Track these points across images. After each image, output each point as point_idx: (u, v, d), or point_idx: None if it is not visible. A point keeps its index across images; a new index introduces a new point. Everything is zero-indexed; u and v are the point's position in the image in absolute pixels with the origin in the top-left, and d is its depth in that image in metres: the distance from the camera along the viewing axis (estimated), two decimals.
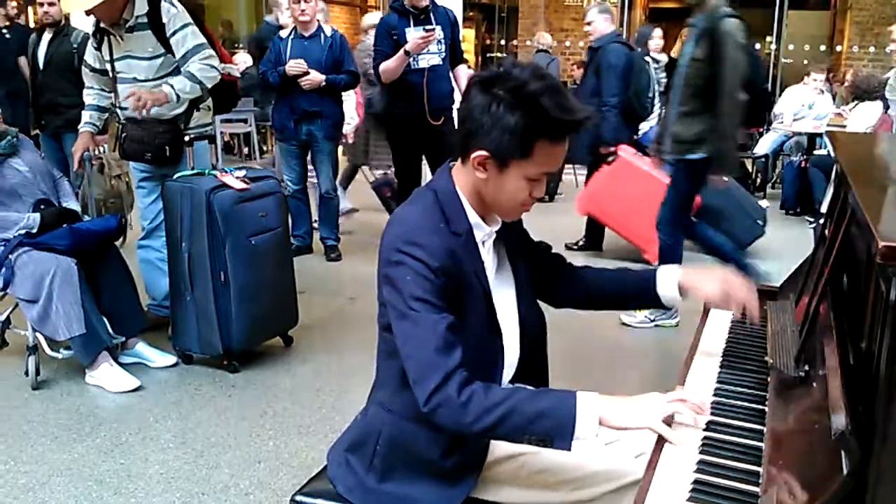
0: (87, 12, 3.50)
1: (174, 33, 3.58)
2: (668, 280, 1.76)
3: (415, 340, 1.47)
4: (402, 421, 1.61)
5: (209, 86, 3.64)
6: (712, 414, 1.53)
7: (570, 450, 1.43)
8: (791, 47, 10.98)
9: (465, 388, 1.43)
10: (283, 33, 5.25)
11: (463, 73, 4.93)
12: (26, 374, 3.37)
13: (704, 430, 1.46)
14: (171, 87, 3.54)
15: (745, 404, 1.57)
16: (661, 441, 1.44)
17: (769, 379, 1.59)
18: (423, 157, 4.98)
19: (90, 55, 3.79)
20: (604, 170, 5.43)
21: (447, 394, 1.43)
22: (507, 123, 1.45)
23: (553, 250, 1.88)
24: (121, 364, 3.45)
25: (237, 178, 3.51)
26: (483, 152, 1.49)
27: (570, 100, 1.48)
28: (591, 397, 1.45)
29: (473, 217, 1.59)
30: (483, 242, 1.62)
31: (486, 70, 1.56)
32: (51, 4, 5.23)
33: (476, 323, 1.58)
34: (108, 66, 3.68)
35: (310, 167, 5.47)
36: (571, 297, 1.86)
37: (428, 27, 4.60)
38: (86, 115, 3.91)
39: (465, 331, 1.51)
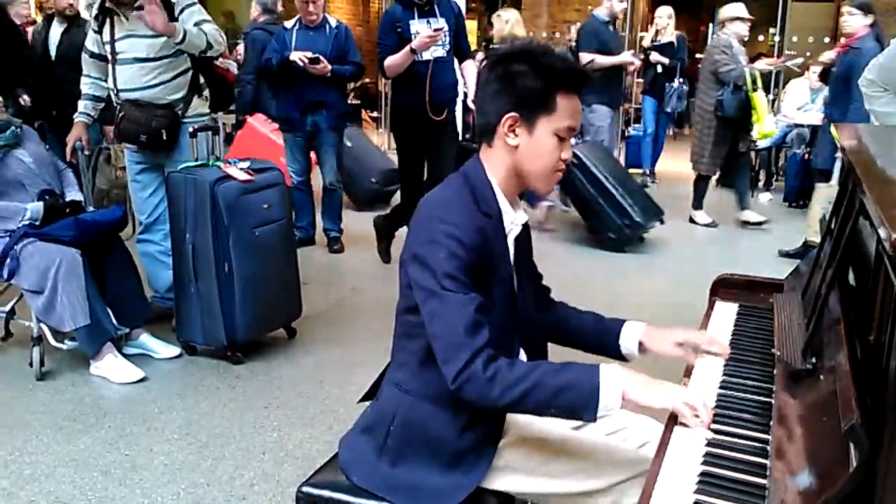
0: None
1: (182, 11, 3.61)
2: (631, 336, 1.81)
3: (444, 319, 1.51)
4: (419, 401, 1.63)
5: (214, 49, 3.68)
6: (719, 406, 1.53)
7: (594, 421, 1.48)
8: (794, 39, 10.93)
9: (490, 364, 1.47)
10: (288, 24, 5.24)
11: (470, 68, 4.91)
12: (31, 364, 3.37)
13: (712, 422, 1.47)
14: (183, 27, 3.56)
15: (752, 397, 1.57)
16: (668, 432, 1.45)
17: (776, 372, 1.59)
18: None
19: (90, 40, 3.79)
20: (238, 135, 6.19)
21: (474, 370, 1.47)
22: (527, 82, 1.57)
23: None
24: (125, 355, 3.46)
25: (241, 169, 3.51)
26: (512, 114, 1.58)
27: (568, 57, 1.65)
28: (615, 370, 1.49)
29: (503, 202, 1.65)
30: (509, 230, 1.67)
31: (492, 51, 1.67)
32: None
33: (499, 305, 1.62)
34: (108, 48, 3.68)
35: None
36: (544, 327, 1.88)
37: (436, 26, 4.58)
38: (81, 105, 3.90)
39: (489, 311, 1.55)
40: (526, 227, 1.75)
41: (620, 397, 1.46)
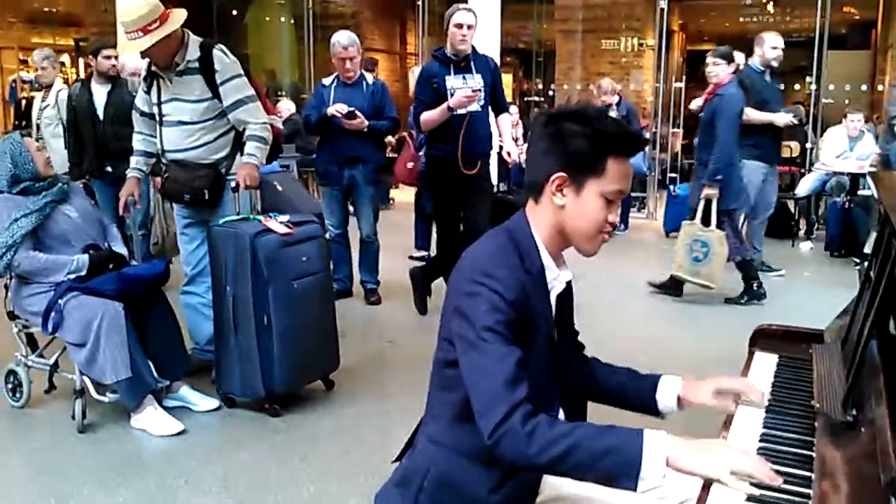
0: (142, 54, 3.64)
1: (225, 82, 3.69)
2: (669, 392, 1.78)
3: (483, 372, 1.49)
4: (452, 455, 1.62)
5: (270, 142, 3.81)
6: None
7: (636, 490, 1.42)
8: (831, 87, 10.91)
9: (529, 420, 1.44)
10: (326, 80, 5.37)
11: (505, 121, 4.99)
12: (73, 417, 3.41)
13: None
14: (253, 156, 3.69)
15: (793, 450, 1.54)
16: (706, 490, 1.42)
17: (816, 424, 1.57)
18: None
19: (140, 99, 3.92)
20: None
21: (512, 424, 1.44)
22: (579, 144, 1.56)
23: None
24: (165, 408, 3.49)
25: (281, 222, 3.57)
26: (561, 174, 1.58)
27: (622, 121, 1.62)
28: (659, 436, 1.43)
29: (546, 258, 1.64)
30: (552, 287, 1.66)
31: (546, 109, 1.68)
32: (116, 57, 5.46)
33: (539, 362, 1.60)
34: (156, 109, 3.80)
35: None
36: (580, 384, 1.87)
37: (473, 86, 4.67)
38: (133, 161, 4.01)
39: (528, 367, 1.53)
40: (569, 284, 1.75)
41: (664, 465, 1.41)
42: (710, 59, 5.64)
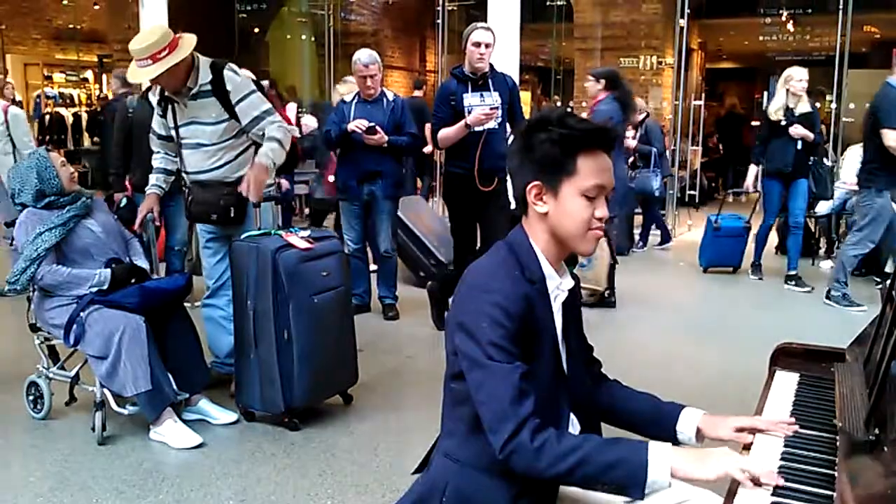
0: (152, 81, 3.67)
1: (240, 101, 3.71)
2: (689, 423, 1.76)
3: (489, 389, 1.52)
4: (469, 470, 1.63)
5: (288, 148, 3.78)
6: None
7: (642, 499, 1.46)
8: (852, 106, 10.85)
9: (538, 435, 1.48)
10: (347, 97, 5.41)
11: None
12: (93, 429, 3.44)
13: (772, 495, 1.44)
14: (267, 155, 3.67)
15: (814, 469, 1.53)
16: (730, 496, 1.42)
17: (838, 443, 1.56)
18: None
19: (156, 123, 3.94)
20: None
21: (521, 440, 1.48)
22: (545, 150, 1.61)
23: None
24: (184, 420, 3.51)
25: (302, 237, 3.59)
26: (535, 182, 1.62)
27: (586, 119, 1.66)
28: (664, 448, 1.49)
29: (546, 267, 1.66)
30: (555, 296, 1.67)
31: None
32: None
33: (545, 371, 1.62)
34: (174, 132, 3.83)
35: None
36: (595, 402, 1.86)
37: (491, 104, 4.70)
38: (153, 178, 4.04)
39: (535, 378, 1.55)
40: (573, 293, 1.76)
41: (669, 475, 1.45)
42: (588, 77, 6.12)
